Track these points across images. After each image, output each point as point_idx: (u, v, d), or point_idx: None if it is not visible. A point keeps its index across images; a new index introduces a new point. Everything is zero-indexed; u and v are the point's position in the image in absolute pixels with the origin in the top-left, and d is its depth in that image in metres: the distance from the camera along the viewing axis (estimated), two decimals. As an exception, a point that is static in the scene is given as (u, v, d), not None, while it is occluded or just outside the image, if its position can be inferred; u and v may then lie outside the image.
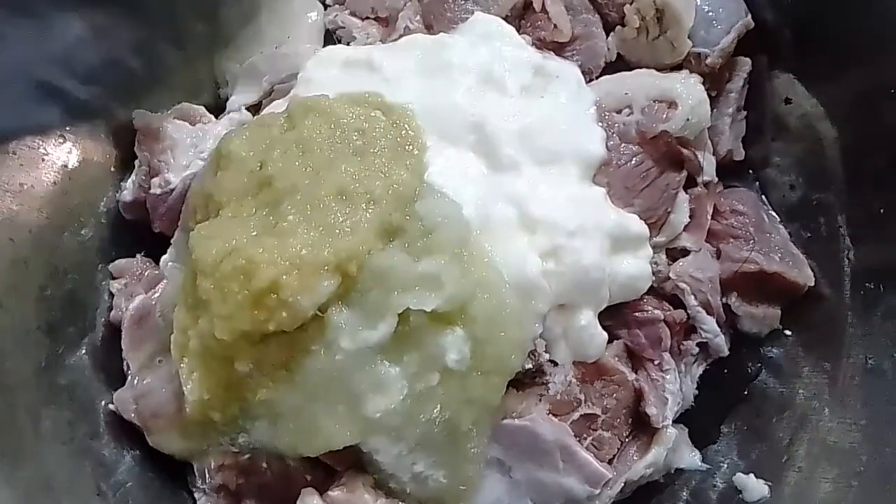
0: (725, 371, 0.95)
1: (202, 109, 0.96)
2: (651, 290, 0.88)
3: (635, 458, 0.86)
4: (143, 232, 0.94)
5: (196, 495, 0.86)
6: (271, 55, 0.96)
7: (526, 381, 0.83)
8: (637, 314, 0.88)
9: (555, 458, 0.81)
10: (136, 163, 0.94)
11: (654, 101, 0.89)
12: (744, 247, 0.93)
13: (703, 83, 0.92)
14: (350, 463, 0.81)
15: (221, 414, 0.76)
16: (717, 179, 0.96)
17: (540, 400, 0.83)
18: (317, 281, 0.71)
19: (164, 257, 0.91)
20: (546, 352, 0.82)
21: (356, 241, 0.73)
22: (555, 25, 0.94)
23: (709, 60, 0.92)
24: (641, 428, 0.88)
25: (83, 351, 0.88)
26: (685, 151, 0.90)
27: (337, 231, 0.73)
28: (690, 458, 0.92)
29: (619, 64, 0.96)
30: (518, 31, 0.94)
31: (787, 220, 0.98)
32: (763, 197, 1.01)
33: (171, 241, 0.90)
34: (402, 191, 0.76)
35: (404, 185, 0.77)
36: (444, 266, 0.74)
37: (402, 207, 0.76)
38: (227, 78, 1.01)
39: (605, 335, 0.85)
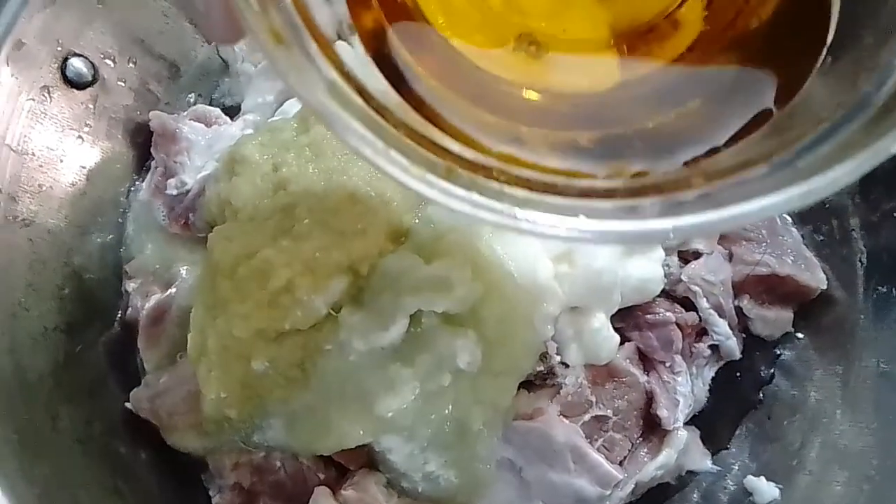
0: (738, 374, 0.95)
1: (217, 111, 0.97)
2: (663, 293, 0.88)
3: (646, 459, 0.86)
4: (159, 232, 0.95)
5: (211, 493, 0.87)
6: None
7: (537, 382, 0.83)
8: (648, 316, 0.88)
9: (566, 460, 0.81)
10: (153, 164, 0.95)
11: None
12: (756, 249, 0.93)
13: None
14: (363, 462, 0.82)
15: (237, 412, 0.77)
16: (729, 182, 0.96)
17: (551, 401, 0.83)
18: (329, 281, 0.73)
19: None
20: (557, 354, 0.83)
21: (367, 243, 0.74)
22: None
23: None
24: (652, 430, 0.88)
25: (100, 350, 0.90)
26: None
27: (349, 234, 0.74)
28: (702, 460, 0.92)
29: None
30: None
31: (800, 223, 0.97)
32: (776, 199, 1.00)
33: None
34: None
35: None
36: (455, 268, 0.75)
37: (413, 210, 0.77)
38: (242, 80, 1.01)
39: (617, 338, 0.85)
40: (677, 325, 0.88)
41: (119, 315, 0.93)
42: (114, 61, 0.93)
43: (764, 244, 0.93)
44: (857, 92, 0.41)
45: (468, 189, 0.39)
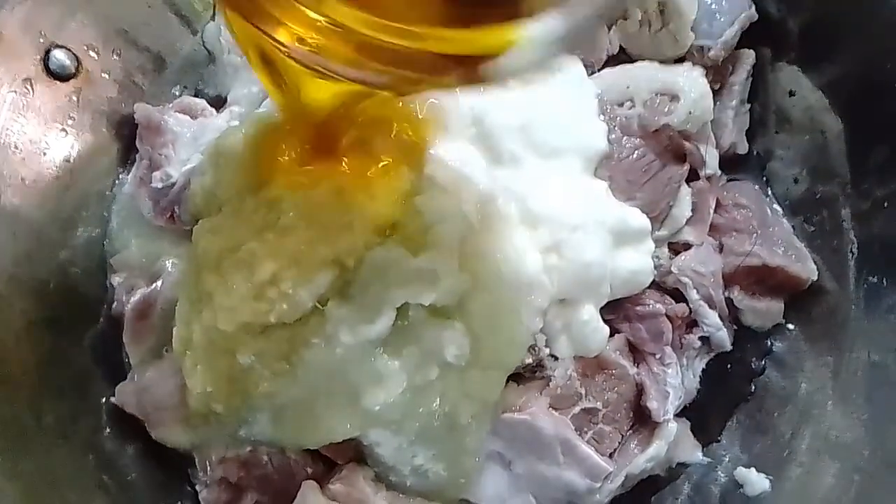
0: (729, 366, 0.95)
1: (203, 103, 0.96)
2: (653, 284, 0.88)
3: (636, 451, 0.86)
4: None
5: (198, 488, 0.87)
6: (272, 48, 0.95)
7: (526, 374, 0.83)
8: (638, 308, 0.87)
9: (555, 452, 0.81)
10: (137, 156, 0.94)
11: (657, 95, 0.89)
12: (746, 240, 0.93)
13: (706, 76, 0.91)
14: (350, 456, 0.82)
15: (224, 406, 0.77)
16: (719, 173, 0.96)
17: (540, 394, 0.83)
18: (315, 274, 0.73)
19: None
20: (546, 346, 0.82)
21: (353, 236, 0.73)
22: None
23: (712, 53, 0.91)
24: (643, 422, 0.88)
25: (85, 345, 0.89)
26: (687, 145, 0.89)
27: (335, 227, 0.74)
28: (692, 452, 0.92)
29: (622, 57, 0.95)
30: (519, 23, 0.93)
31: (791, 214, 0.97)
32: (767, 190, 1.00)
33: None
34: (400, 185, 0.77)
35: (403, 179, 0.77)
36: (443, 261, 0.74)
37: (400, 202, 0.76)
38: (229, 70, 1.00)
39: (606, 330, 0.84)
40: (667, 316, 0.87)
41: (105, 309, 0.92)
42: (98, 53, 0.92)
43: (754, 235, 0.93)
44: None
45: None
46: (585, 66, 0.92)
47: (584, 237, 0.81)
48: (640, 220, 0.85)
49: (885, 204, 0.88)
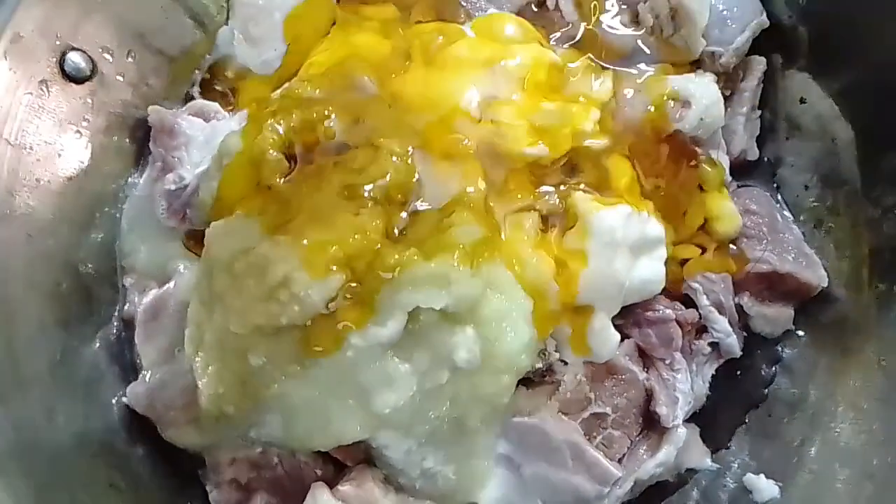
0: (738, 372, 0.95)
1: (216, 105, 0.96)
2: (663, 290, 0.88)
3: (645, 457, 0.86)
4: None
5: (208, 488, 0.87)
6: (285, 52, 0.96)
7: (536, 379, 0.83)
8: (649, 314, 0.87)
9: (564, 457, 0.81)
10: (151, 159, 0.94)
11: (668, 101, 0.89)
12: (757, 247, 0.93)
13: (717, 82, 0.91)
14: (360, 458, 0.82)
15: (235, 408, 0.77)
16: (730, 179, 0.96)
17: (550, 398, 0.83)
18: (326, 276, 0.73)
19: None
20: (556, 351, 0.82)
21: (365, 238, 0.74)
22: (569, 24, 0.93)
23: (723, 59, 0.92)
24: (652, 427, 0.88)
25: (97, 345, 0.89)
26: (698, 151, 0.89)
27: (346, 229, 0.74)
28: (701, 457, 0.92)
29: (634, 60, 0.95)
30: (531, 29, 0.94)
31: (801, 220, 0.97)
32: (778, 196, 1.00)
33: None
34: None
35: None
36: (455, 265, 0.74)
37: (411, 205, 0.77)
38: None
39: (617, 337, 0.84)
40: (677, 322, 0.87)
41: (117, 310, 0.92)
42: (112, 56, 0.92)
43: (765, 241, 0.93)
44: None
45: None
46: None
47: (608, 248, 0.81)
48: (656, 227, 0.85)
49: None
